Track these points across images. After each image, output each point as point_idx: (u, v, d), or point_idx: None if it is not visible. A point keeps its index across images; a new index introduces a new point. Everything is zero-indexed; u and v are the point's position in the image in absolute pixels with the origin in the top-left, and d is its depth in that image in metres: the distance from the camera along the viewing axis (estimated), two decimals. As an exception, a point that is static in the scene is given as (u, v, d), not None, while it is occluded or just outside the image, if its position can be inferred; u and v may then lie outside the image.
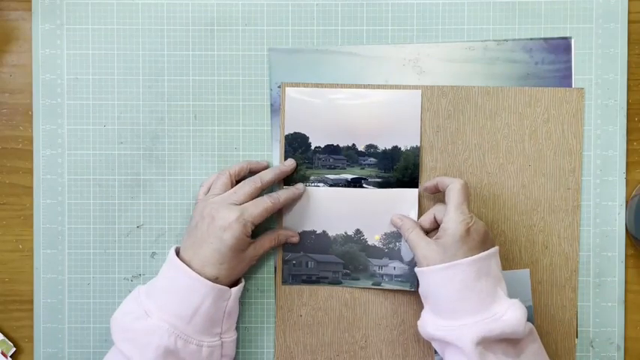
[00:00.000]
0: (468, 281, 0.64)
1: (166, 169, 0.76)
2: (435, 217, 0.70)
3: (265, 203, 0.69)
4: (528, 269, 0.75)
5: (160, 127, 0.76)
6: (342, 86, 0.75)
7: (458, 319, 0.64)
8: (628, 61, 0.75)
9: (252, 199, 0.70)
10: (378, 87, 0.75)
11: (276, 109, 0.75)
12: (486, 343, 0.63)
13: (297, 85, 0.75)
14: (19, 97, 0.76)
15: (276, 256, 0.76)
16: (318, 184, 0.75)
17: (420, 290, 0.69)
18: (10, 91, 0.76)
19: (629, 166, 0.76)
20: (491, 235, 0.68)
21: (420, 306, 0.70)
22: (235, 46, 0.76)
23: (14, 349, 0.76)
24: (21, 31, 0.76)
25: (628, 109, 0.75)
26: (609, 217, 0.76)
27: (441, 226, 0.67)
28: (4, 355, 0.76)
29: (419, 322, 0.69)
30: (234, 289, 0.69)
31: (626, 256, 0.76)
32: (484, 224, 0.67)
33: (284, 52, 0.75)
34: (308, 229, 0.75)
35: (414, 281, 0.74)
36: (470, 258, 0.64)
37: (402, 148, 0.74)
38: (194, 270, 0.66)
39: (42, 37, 0.76)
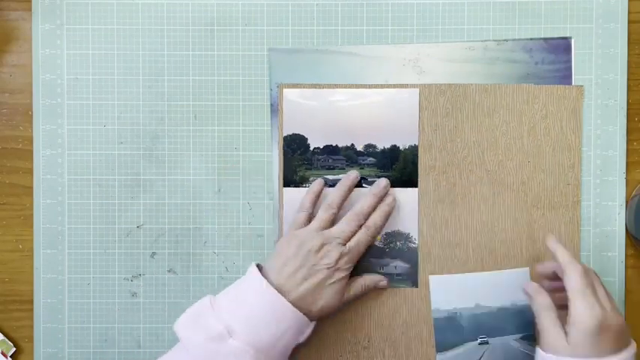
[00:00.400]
0: None
1: (166, 169, 0.76)
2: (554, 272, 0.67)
3: (366, 239, 0.71)
4: (528, 268, 0.74)
5: (159, 127, 0.76)
6: (340, 86, 0.75)
7: None
8: (628, 61, 0.75)
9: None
10: (376, 86, 0.75)
11: (276, 109, 0.75)
12: None
13: (294, 86, 0.75)
14: (19, 97, 0.76)
15: (276, 256, 0.76)
16: (318, 184, 0.75)
17: None
18: (10, 91, 0.76)
19: (629, 166, 0.76)
20: (628, 331, 0.61)
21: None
22: (235, 46, 0.76)
23: (14, 349, 0.76)
24: (21, 31, 0.76)
25: (628, 109, 0.75)
26: (609, 217, 0.75)
27: (568, 316, 0.60)
28: (4, 355, 0.76)
29: None
30: (312, 323, 0.68)
31: (626, 256, 0.76)
32: (621, 318, 0.61)
33: (284, 52, 0.75)
34: (308, 229, 0.75)
35: (416, 280, 0.74)
36: None
37: (401, 147, 0.74)
38: (290, 301, 0.65)
39: (42, 37, 0.76)
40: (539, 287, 0.65)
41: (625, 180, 0.75)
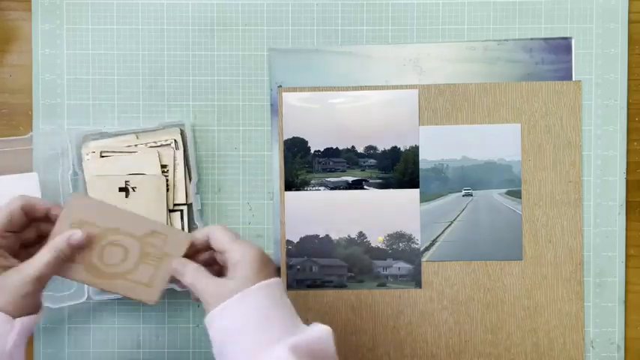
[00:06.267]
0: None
1: (166, 169, 0.76)
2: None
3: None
4: (519, 124, 0.75)
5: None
6: (339, 89, 0.75)
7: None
8: (628, 61, 0.75)
9: None
10: (375, 88, 0.75)
11: (276, 109, 0.75)
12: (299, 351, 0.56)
13: (294, 89, 0.75)
14: (19, 97, 0.76)
15: (280, 262, 0.76)
16: (319, 187, 0.75)
17: (215, 349, 0.59)
18: (10, 91, 0.76)
19: (629, 166, 0.76)
20: (273, 264, 0.62)
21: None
22: (235, 46, 0.76)
23: (14, 349, 0.76)
24: (21, 31, 0.76)
25: (628, 109, 0.75)
26: (609, 217, 0.75)
27: (228, 263, 0.59)
28: (4, 355, 0.76)
29: None
30: (20, 320, 0.57)
31: (627, 256, 0.76)
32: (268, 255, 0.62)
33: (284, 52, 0.75)
34: (311, 233, 0.75)
35: (419, 280, 0.74)
36: (261, 283, 0.58)
37: (402, 148, 0.74)
38: None
39: (42, 37, 0.75)
40: (185, 259, 0.62)
41: (625, 180, 0.76)
